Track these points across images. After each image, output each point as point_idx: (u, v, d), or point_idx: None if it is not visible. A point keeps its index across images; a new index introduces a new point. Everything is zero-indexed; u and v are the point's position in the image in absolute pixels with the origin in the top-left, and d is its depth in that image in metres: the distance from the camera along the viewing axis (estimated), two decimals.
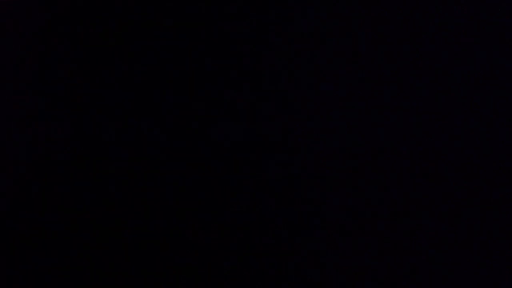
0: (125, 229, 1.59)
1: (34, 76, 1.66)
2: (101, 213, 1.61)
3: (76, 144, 1.62)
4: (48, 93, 1.65)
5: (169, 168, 1.58)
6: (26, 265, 1.64)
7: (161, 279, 1.56)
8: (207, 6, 1.58)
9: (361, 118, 1.48)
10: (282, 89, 1.53)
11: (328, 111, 1.50)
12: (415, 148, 1.46)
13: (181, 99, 1.58)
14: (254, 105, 1.54)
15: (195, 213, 1.56)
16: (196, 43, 1.58)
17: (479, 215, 1.42)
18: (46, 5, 1.64)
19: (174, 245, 1.56)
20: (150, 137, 1.59)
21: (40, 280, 1.63)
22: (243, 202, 1.53)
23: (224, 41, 1.58)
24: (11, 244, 1.66)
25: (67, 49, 1.65)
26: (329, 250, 1.49)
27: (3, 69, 1.67)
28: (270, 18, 1.54)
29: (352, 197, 1.48)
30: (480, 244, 1.42)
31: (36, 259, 1.64)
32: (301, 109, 1.51)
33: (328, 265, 1.48)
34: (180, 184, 1.57)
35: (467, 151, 1.44)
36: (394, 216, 1.46)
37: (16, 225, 1.66)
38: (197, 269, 1.55)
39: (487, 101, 1.43)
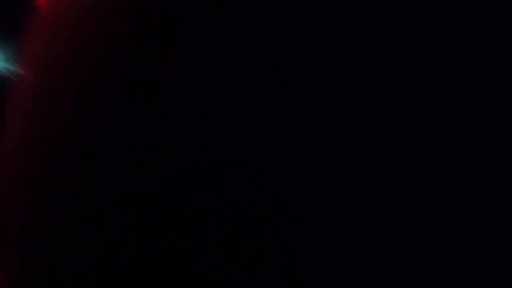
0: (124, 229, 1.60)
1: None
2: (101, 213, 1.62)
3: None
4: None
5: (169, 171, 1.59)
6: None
7: (160, 279, 1.57)
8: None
9: (360, 118, 1.49)
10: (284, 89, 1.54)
11: (328, 111, 1.50)
12: (415, 148, 1.46)
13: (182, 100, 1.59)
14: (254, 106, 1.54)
15: (194, 213, 1.56)
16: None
17: (479, 215, 1.43)
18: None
19: (173, 245, 1.57)
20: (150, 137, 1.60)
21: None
22: (243, 202, 1.54)
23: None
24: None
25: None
26: (328, 250, 1.49)
27: None
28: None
29: (352, 197, 1.48)
30: (480, 244, 1.43)
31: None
32: (300, 109, 1.52)
33: (327, 265, 1.49)
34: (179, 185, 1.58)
35: (466, 151, 1.44)
36: (394, 216, 1.47)
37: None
38: (196, 269, 1.55)
39: (487, 101, 1.44)
